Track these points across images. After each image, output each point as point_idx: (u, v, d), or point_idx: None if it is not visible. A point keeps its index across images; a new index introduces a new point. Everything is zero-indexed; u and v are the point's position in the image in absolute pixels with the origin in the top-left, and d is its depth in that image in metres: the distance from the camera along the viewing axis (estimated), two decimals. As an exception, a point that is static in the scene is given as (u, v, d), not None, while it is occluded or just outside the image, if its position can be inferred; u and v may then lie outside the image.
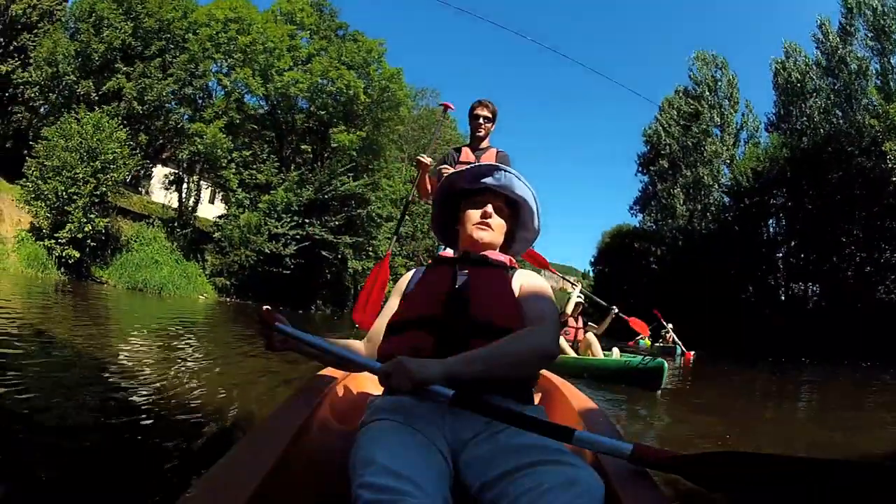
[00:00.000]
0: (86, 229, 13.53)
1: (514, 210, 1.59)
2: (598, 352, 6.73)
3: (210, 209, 22.71)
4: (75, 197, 13.33)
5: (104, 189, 14.19)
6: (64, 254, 13.34)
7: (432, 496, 0.91)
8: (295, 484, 1.01)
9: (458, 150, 3.82)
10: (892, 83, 20.35)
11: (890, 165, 17.81)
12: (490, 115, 3.73)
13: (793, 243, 24.34)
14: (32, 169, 13.64)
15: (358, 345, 1.53)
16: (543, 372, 1.85)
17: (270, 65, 20.03)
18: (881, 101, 19.06)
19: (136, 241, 15.96)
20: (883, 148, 18.11)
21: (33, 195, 13.47)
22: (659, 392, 5.63)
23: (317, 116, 21.35)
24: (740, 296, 23.93)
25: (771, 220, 25.53)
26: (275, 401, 2.74)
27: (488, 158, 3.61)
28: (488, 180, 1.54)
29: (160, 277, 15.57)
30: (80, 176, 13.45)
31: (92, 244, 13.86)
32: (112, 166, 14.07)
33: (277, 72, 20.14)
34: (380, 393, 1.31)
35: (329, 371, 1.62)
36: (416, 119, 32.21)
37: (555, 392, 1.73)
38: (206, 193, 22.67)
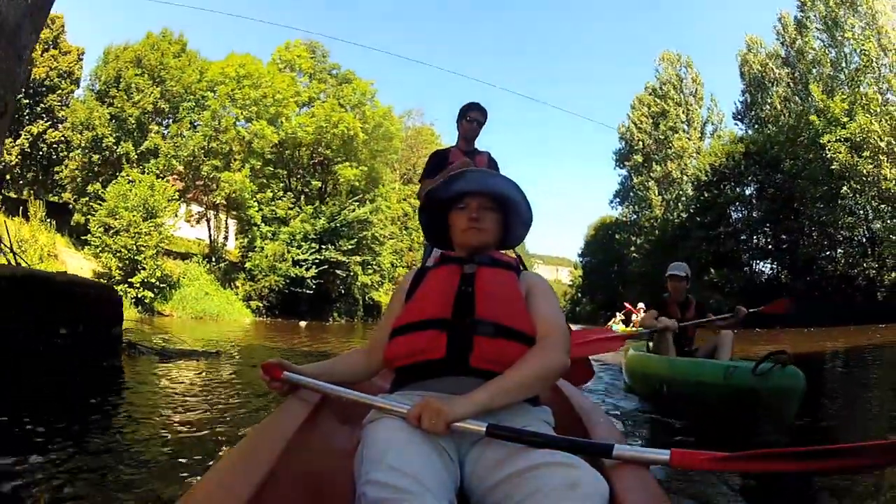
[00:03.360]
0: (157, 274, 16.55)
1: (500, 203, 1.56)
2: (723, 353, 4.07)
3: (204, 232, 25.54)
4: (143, 248, 16.28)
5: (163, 237, 17.17)
6: (139, 295, 16.17)
7: (439, 496, 0.90)
8: (297, 482, 0.99)
9: (446, 153, 3.76)
10: (844, 72, 21.38)
11: (829, 155, 18.98)
12: (482, 119, 3.74)
13: (755, 228, 25.93)
14: (96, 227, 16.52)
15: (358, 358, 1.52)
16: None
17: (279, 113, 23.02)
18: (822, 97, 20.21)
19: (184, 277, 18.88)
20: (821, 140, 19.30)
21: (100, 249, 16.37)
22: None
23: (321, 154, 24.36)
24: (712, 280, 24.34)
25: (732, 208, 27.08)
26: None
27: (480, 162, 3.64)
28: (464, 185, 1.53)
29: (214, 306, 18.44)
30: (144, 231, 16.40)
31: (161, 285, 16.79)
32: (167, 220, 17.08)
33: (286, 118, 23.16)
34: (388, 391, 1.35)
35: None
36: (405, 139, 35.20)
37: (558, 393, 1.70)
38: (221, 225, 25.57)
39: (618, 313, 21.21)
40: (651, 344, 4.58)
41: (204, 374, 4.85)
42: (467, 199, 1.52)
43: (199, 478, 0.77)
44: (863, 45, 19.48)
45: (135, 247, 16.09)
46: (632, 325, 17.21)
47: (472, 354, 1.23)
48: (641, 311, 16.59)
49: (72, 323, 3.57)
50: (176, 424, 2.79)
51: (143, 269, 16.20)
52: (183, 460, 2.21)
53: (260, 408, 3.29)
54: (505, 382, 1.16)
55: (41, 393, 3.17)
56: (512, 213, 1.59)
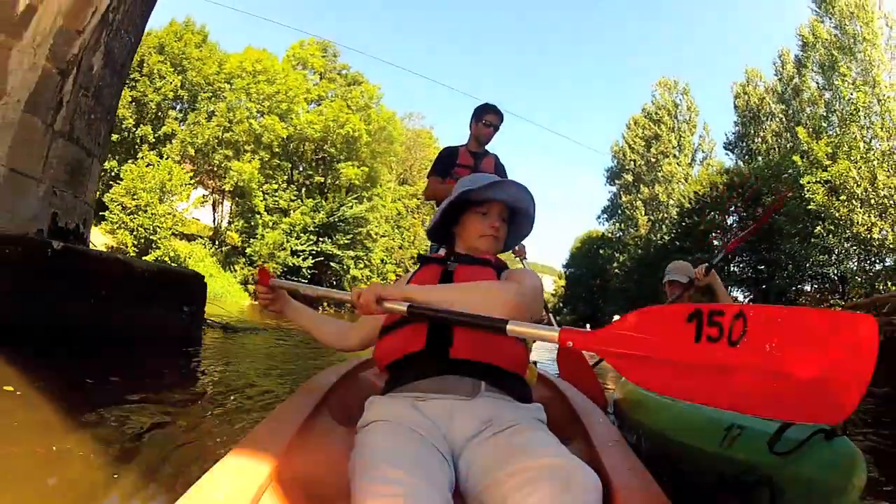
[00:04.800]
0: (170, 254, 17.87)
1: (511, 212, 1.62)
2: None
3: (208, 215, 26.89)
4: (159, 228, 17.66)
5: (177, 220, 18.57)
6: (153, 272, 17.43)
7: (434, 497, 0.89)
8: (297, 482, 0.99)
9: (456, 151, 3.72)
10: (837, 114, 21.37)
11: (807, 195, 19.34)
12: (498, 123, 3.65)
13: (733, 256, 26.27)
14: (114, 204, 17.84)
15: (341, 324, 1.66)
16: (541, 371, 1.96)
17: (290, 109, 24.43)
18: (807, 139, 20.47)
19: (190, 258, 20.25)
20: (801, 181, 19.69)
21: (117, 225, 17.71)
22: None
23: (325, 151, 25.83)
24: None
25: (713, 235, 28.89)
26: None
27: (488, 165, 3.61)
28: (502, 195, 1.56)
29: (217, 287, 19.67)
30: (160, 212, 17.79)
31: (172, 265, 18.08)
32: (181, 204, 18.52)
33: (295, 115, 24.58)
34: (381, 392, 1.35)
35: (329, 370, 1.70)
36: (404, 141, 36.64)
37: (553, 391, 1.72)
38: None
39: (586, 326, 22.40)
40: None
41: (258, 341, 6.81)
42: (493, 207, 1.57)
43: (198, 477, 0.79)
44: (852, 92, 19.76)
45: (151, 227, 17.46)
46: None
47: (452, 347, 1.26)
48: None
49: (189, 303, 5.15)
50: (253, 375, 4.30)
51: (158, 248, 17.55)
52: (256, 400, 3.19)
53: (310, 368, 4.81)
54: (443, 287, 1.32)
55: (178, 353, 4.73)
56: (517, 225, 1.67)
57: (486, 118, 3.60)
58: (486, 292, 1.29)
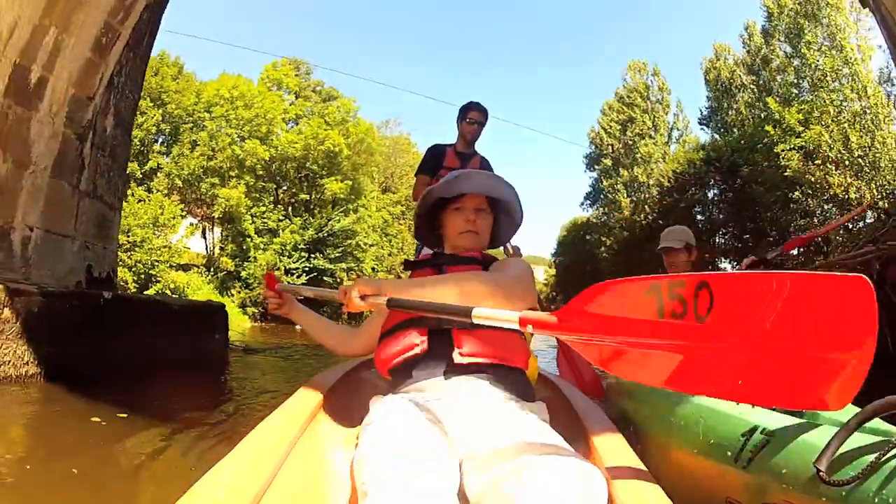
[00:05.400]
0: (171, 286, 18.27)
1: (494, 203, 1.62)
2: None
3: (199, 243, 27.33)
4: (157, 263, 18.07)
5: (173, 252, 19.00)
6: (154, 306, 17.98)
7: (439, 495, 0.91)
8: (298, 481, 1.00)
9: (444, 151, 3.76)
10: (807, 80, 21.56)
11: (782, 163, 19.52)
12: (482, 120, 3.68)
13: (717, 229, 26.72)
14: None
15: (345, 330, 1.72)
16: (542, 372, 1.95)
17: (270, 131, 24.87)
18: (777, 108, 20.49)
19: (188, 287, 20.66)
20: (775, 150, 19.84)
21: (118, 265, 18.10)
22: None
23: (308, 168, 26.31)
24: None
25: (696, 210, 27.69)
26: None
27: (474, 165, 3.64)
28: (465, 187, 1.57)
29: (218, 314, 20.28)
30: (156, 246, 18.20)
31: (174, 296, 18.55)
32: (175, 235, 18.97)
33: (276, 136, 25.03)
34: (383, 392, 1.37)
35: (330, 371, 1.72)
36: (383, 151, 37.03)
37: (555, 391, 1.70)
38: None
39: None
40: None
41: (271, 359, 7.98)
42: (465, 201, 1.57)
43: (197, 479, 0.77)
44: (819, 58, 19.99)
45: (150, 261, 17.88)
46: None
47: (456, 350, 1.28)
48: None
49: (219, 331, 5.87)
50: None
51: (158, 281, 17.97)
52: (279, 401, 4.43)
53: (316, 373, 5.87)
54: (419, 281, 1.34)
55: (214, 372, 5.47)
56: (503, 215, 1.65)
57: (470, 116, 3.69)
58: (461, 283, 1.32)
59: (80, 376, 3.82)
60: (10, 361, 3.65)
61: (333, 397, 1.55)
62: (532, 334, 1.36)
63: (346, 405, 1.58)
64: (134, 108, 6.67)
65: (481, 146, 3.96)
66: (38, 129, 5.05)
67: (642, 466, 1.01)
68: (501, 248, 2.14)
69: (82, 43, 5.44)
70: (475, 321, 1.09)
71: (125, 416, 3.16)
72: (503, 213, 1.65)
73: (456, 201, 1.59)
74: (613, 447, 1.10)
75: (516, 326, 1.05)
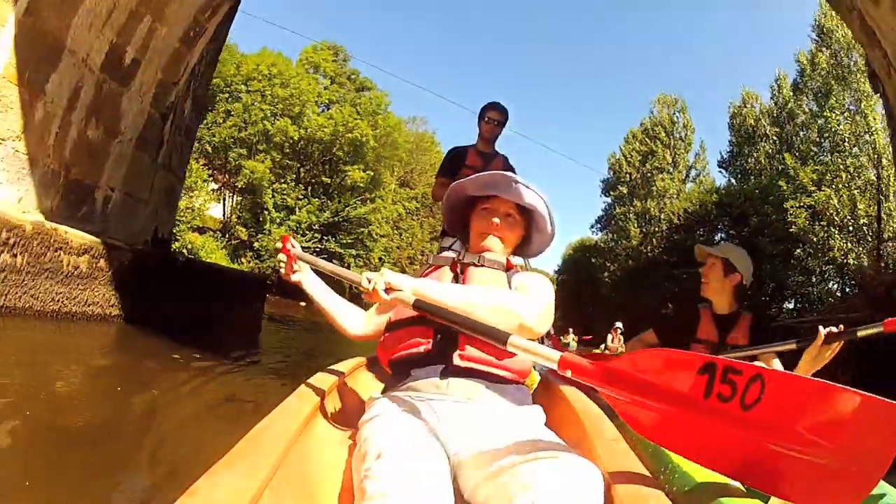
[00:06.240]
0: (188, 246, 19.12)
1: (525, 215, 1.56)
2: None
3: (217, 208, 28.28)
4: (179, 223, 18.91)
5: (196, 214, 19.88)
6: (170, 263, 18.92)
7: (437, 488, 0.91)
8: (295, 484, 1.01)
9: (465, 151, 3.76)
10: (828, 141, 21.61)
11: (789, 219, 19.93)
12: (501, 120, 3.70)
13: None
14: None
15: (356, 310, 1.66)
16: (542, 372, 1.87)
17: (302, 112, 25.71)
18: (793, 164, 20.80)
19: (202, 250, 21.51)
20: (784, 205, 20.28)
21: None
22: None
23: (333, 153, 27.14)
24: (668, 314, 23.64)
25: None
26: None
27: (496, 166, 3.63)
28: (497, 190, 1.52)
29: (229, 280, 21.15)
30: (182, 206, 19.04)
31: (189, 256, 19.41)
32: (199, 200, 19.88)
33: (307, 118, 25.87)
34: (381, 392, 1.37)
35: (328, 371, 1.66)
36: (408, 148, 37.67)
37: (555, 393, 1.68)
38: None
39: (570, 329, 22.77)
40: None
41: (294, 330, 9.23)
42: (495, 204, 1.53)
43: (195, 479, 0.76)
44: (839, 123, 20.13)
45: (175, 222, 18.76)
46: (605, 349, 14.21)
47: (457, 352, 1.26)
48: (618, 331, 14.41)
49: (259, 300, 6.75)
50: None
51: (178, 240, 18.82)
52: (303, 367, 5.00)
53: (324, 343, 6.54)
54: (460, 288, 1.31)
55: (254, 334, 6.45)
56: (534, 227, 1.59)
57: (488, 115, 3.71)
58: (502, 305, 1.27)
59: (154, 322, 4.66)
60: (97, 303, 4.48)
61: (333, 397, 1.54)
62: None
63: (345, 405, 1.60)
64: (206, 93, 7.47)
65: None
66: (128, 105, 5.82)
67: (642, 466, 0.99)
68: None
69: (173, 34, 6.21)
70: (510, 349, 1.07)
71: (199, 362, 3.95)
72: (534, 225, 1.59)
73: (486, 201, 1.55)
74: (613, 447, 1.09)
75: (555, 367, 1.02)
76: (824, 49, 22.13)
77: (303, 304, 21.97)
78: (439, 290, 1.27)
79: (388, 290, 1.25)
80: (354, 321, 1.63)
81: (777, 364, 2.18)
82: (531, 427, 1.14)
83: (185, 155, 6.57)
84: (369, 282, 1.27)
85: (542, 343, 1.25)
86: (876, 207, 18.51)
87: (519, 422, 1.16)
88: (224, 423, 2.84)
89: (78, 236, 4.49)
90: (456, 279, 1.46)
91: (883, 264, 17.47)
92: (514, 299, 1.30)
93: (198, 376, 3.60)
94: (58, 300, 4.23)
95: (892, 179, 18.61)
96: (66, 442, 2.19)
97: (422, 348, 1.30)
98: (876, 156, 19.07)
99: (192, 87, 6.44)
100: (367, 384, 1.90)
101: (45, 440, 2.15)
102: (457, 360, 1.26)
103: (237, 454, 0.89)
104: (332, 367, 1.72)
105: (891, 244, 18.95)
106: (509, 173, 1.49)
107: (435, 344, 1.30)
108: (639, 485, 0.91)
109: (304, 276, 1.65)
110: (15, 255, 3.85)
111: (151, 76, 6.04)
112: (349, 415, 1.52)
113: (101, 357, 3.97)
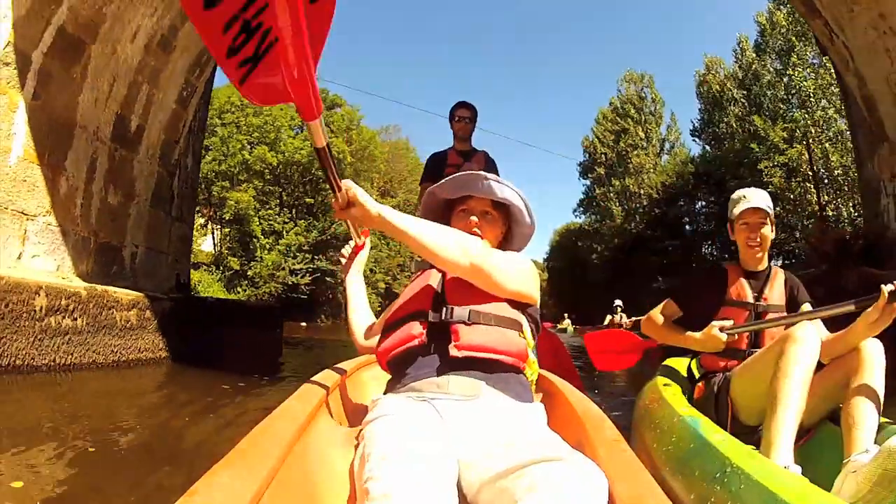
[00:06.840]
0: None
1: (503, 210, 1.57)
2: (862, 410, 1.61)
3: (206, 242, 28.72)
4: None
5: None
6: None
7: (439, 494, 0.90)
8: (295, 484, 1.00)
9: (444, 154, 3.89)
10: (796, 98, 21.75)
11: (765, 180, 19.95)
12: (471, 116, 3.85)
13: (704, 240, 27.54)
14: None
15: (370, 318, 1.72)
16: (542, 372, 1.88)
17: (278, 137, 26.25)
18: (763, 125, 21.24)
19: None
20: (759, 166, 20.68)
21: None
22: None
23: (312, 173, 27.71)
24: (659, 287, 23.34)
25: (685, 221, 28.53)
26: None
27: (477, 162, 3.77)
28: (469, 190, 1.54)
29: (229, 311, 21.57)
30: (173, 245, 19.57)
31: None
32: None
33: (283, 143, 26.42)
34: (383, 392, 1.36)
35: (330, 371, 1.66)
36: (386, 159, 37.99)
37: (555, 391, 1.68)
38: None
39: (566, 314, 23.31)
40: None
41: (310, 351, 9.67)
42: (471, 204, 1.55)
43: (195, 480, 0.75)
44: (804, 78, 20.33)
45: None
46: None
47: (452, 343, 1.27)
48: (619, 309, 13.94)
49: (278, 326, 7.43)
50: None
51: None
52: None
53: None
54: (419, 220, 1.32)
55: (276, 356, 7.19)
56: (514, 222, 1.61)
57: (458, 114, 3.85)
58: (455, 240, 1.31)
59: (196, 357, 5.33)
60: (148, 349, 5.09)
61: (333, 397, 1.53)
62: (535, 336, 1.48)
63: (346, 405, 1.59)
64: (202, 144, 8.11)
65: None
66: (139, 168, 6.40)
67: (642, 467, 0.99)
68: None
69: (169, 97, 6.81)
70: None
71: (243, 385, 4.59)
72: (514, 221, 1.62)
73: (462, 203, 1.57)
74: (613, 447, 1.08)
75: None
76: (782, 7, 22.39)
77: (304, 324, 22.57)
78: (402, 217, 1.27)
79: (353, 202, 1.21)
80: (368, 332, 1.68)
81: (872, 348, 1.73)
82: (534, 427, 1.15)
83: (192, 203, 7.20)
84: (346, 191, 1.22)
85: (533, 332, 1.45)
86: (850, 158, 18.05)
87: (522, 422, 1.16)
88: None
89: (125, 294, 5.09)
90: (443, 280, 1.45)
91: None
92: (472, 240, 1.35)
93: (241, 395, 4.28)
94: (116, 351, 4.80)
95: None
96: (133, 464, 2.51)
97: (416, 341, 1.31)
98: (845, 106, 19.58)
99: (191, 142, 7.05)
100: (369, 384, 1.93)
101: (113, 461, 2.49)
102: (453, 352, 1.26)
103: (238, 454, 0.89)
104: (333, 366, 1.73)
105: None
106: (478, 172, 1.54)
107: (429, 336, 1.31)
108: (641, 487, 0.90)
109: (351, 273, 1.78)
110: (75, 319, 4.43)
111: (156, 138, 6.63)
112: (351, 415, 1.54)
113: (157, 393, 4.55)
